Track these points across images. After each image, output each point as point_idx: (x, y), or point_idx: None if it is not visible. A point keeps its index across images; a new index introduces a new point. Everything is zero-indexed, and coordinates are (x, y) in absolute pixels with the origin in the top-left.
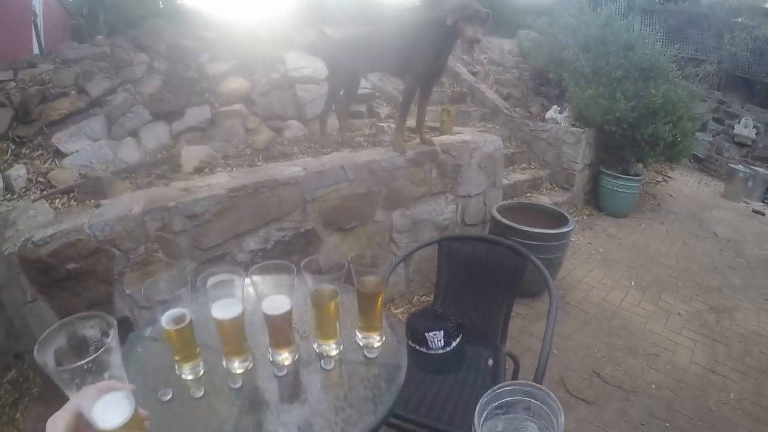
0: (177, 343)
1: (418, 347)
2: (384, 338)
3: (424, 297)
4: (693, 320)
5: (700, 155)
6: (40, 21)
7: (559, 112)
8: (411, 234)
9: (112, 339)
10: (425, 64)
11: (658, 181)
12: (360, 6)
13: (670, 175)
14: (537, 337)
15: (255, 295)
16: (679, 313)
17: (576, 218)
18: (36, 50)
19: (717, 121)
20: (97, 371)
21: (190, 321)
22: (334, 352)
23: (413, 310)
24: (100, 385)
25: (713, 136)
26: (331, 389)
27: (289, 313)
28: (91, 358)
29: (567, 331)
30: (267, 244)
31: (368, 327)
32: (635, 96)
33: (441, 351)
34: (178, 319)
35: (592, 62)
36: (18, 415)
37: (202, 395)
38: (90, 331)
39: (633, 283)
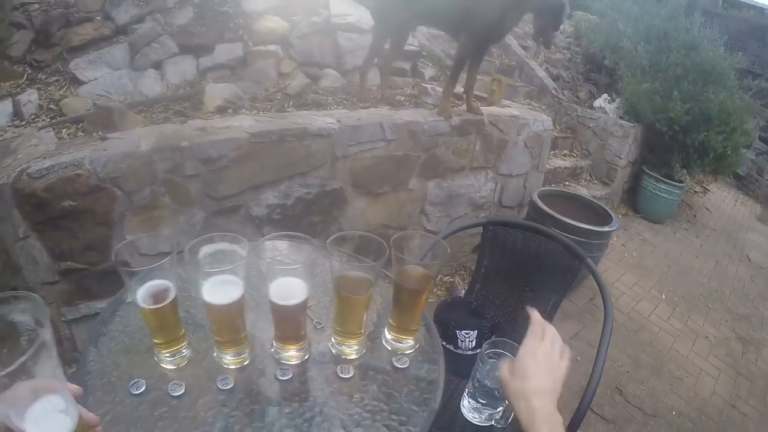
0: (155, 325)
1: (445, 344)
2: (418, 345)
3: (447, 277)
4: (720, 347)
5: (740, 172)
6: None
7: (609, 102)
8: (444, 208)
9: (46, 331)
10: (486, 25)
11: (696, 192)
12: None
13: (708, 188)
14: (564, 338)
15: (263, 272)
16: (706, 337)
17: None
18: None
19: (763, 140)
20: (27, 373)
21: (174, 298)
22: (354, 356)
23: (437, 291)
24: (35, 385)
25: (757, 155)
26: (346, 406)
27: (303, 304)
28: (22, 359)
29: (594, 337)
30: (287, 199)
31: (402, 328)
32: (692, 98)
33: (470, 352)
34: (159, 296)
35: (652, 55)
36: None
37: (182, 393)
38: (21, 316)
39: (664, 296)
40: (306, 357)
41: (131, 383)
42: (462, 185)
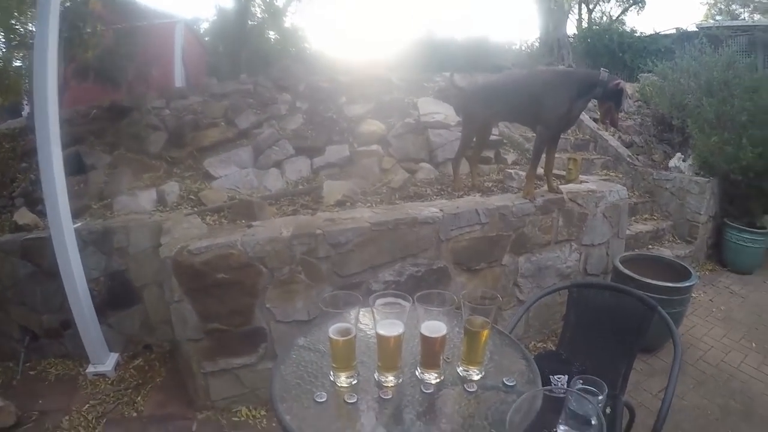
0: (338, 353)
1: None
2: (483, 373)
3: (540, 343)
4: None
5: None
6: (184, 57)
7: (683, 160)
8: (535, 279)
9: None
10: (558, 117)
11: None
12: (479, 51)
13: None
14: (651, 393)
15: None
16: None
17: (698, 273)
18: (180, 83)
19: None
20: None
21: (354, 335)
22: (476, 377)
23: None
24: None
25: None
26: (472, 410)
27: (444, 337)
28: None
29: (681, 390)
30: (401, 276)
31: (469, 360)
32: (762, 142)
33: (563, 395)
34: (344, 332)
35: (716, 107)
36: (139, 398)
37: (354, 401)
38: None
39: (754, 345)
40: (442, 378)
41: (315, 394)
42: (549, 258)
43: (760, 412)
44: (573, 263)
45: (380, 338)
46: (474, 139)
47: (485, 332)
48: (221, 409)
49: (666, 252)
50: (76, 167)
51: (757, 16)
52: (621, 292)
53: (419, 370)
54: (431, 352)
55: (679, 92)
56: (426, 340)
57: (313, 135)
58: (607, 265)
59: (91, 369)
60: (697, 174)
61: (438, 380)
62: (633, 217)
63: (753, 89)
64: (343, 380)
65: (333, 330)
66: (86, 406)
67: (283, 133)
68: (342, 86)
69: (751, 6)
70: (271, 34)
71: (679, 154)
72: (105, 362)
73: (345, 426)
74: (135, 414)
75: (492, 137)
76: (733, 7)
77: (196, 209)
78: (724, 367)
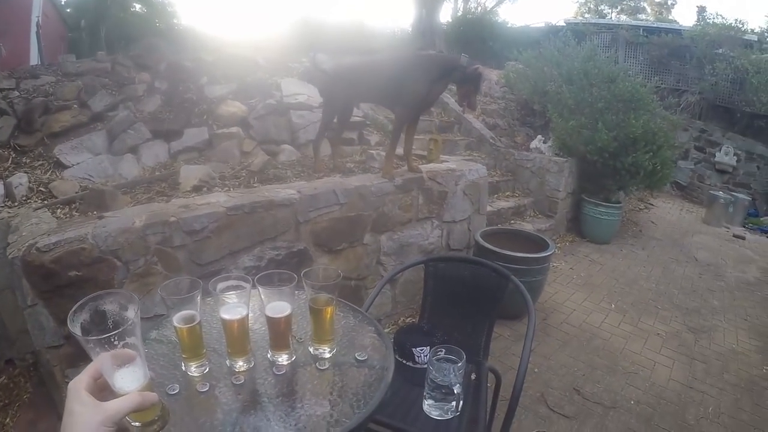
0: (186, 342)
1: (405, 361)
2: (335, 350)
3: (409, 318)
4: (672, 340)
5: (682, 183)
6: (40, 32)
7: (543, 142)
8: (398, 257)
9: (136, 315)
10: (416, 99)
11: (640, 209)
12: (353, 35)
13: (652, 203)
14: (518, 356)
15: (260, 300)
16: (658, 334)
17: (558, 245)
18: (35, 61)
19: (699, 149)
20: (119, 342)
21: (199, 321)
22: (327, 355)
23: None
24: (116, 352)
25: (695, 164)
26: (326, 387)
27: (289, 317)
28: (118, 330)
29: (548, 352)
30: (261, 261)
31: (319, 339)
32: (616, 126)
33: (425, 366)
34: (188, 319)
35: (575, 94)
36: (8, 420)
37: (207, 389)
38: (109, 305)
39: (613, 306)
40: (293, 359)
41: (167, 386)
42: (411, 235)
43: (623, 364)
44: (435, 239)
45: (224, 322)
46: (335, 120)
47: (329, 309)
48: None
49: (528, 226)
50: None
51: (623, 17)
52: (475, 264)
53: (270, 353)
54: (278, 332)
55: (541, 80)
56: (272, 321)
57: (171, 117)
58: (469, 240)
59: None
60: (556, 155)
61: (289, 361)
62: (495, 195)
63: (611, 79)
64: (193, 370)
65: (177, 318)
66: None
67: (139, 115)
68: (205, 65)
69: (619, 7)
70: (137, 7)
71: (540, 137)
72: None
73: (199, 415)
74: None
75: (356, 118)
76: (602, 6)
77: (46, 202)
78: (586, 327)
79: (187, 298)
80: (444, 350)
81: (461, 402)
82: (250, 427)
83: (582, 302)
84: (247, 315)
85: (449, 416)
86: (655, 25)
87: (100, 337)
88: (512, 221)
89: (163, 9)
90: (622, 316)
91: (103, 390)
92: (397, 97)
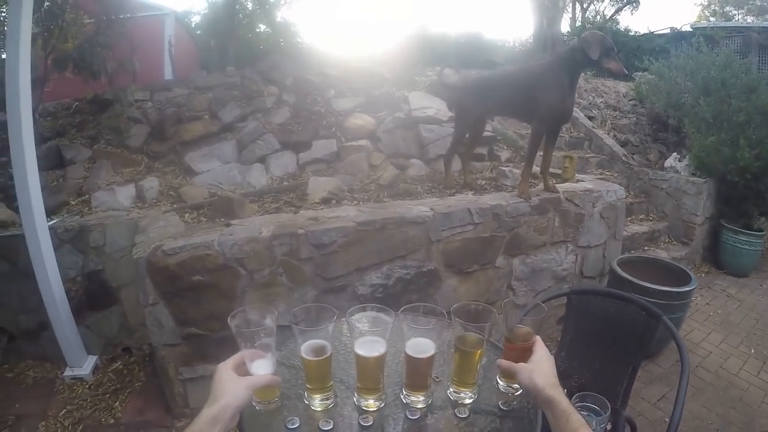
0: (313, 374)
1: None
2: (477, 395)
3: None
4: None
5: None
6: (173, 50)
7: (679, 161)
8: (529, 282)
9: (273, 322)
10: (552, 109)
11: None
12: (472, 48)
13: None
14: (649, 402)
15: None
16: None
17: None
18: (169, 76)
19: None
20: (259, 338)
21: (330, 354)
22: (468, 401)
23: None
24: (254, 351)
25: None
26: None
27: (432, 358)
28: (259, 328)
29: None
30: (389, 279)
31: (460, 382)
32: (759, 143)
33: None
34: (319, 350)
35: (713, 107)
36: (117, 404)
37: (330, 428)
38: (253, 315)
39: (752, 350)
40: (429, 402)
41: (287, 420)
42: (544, 260)
43: (761, 421)
44: (569, 265)
45: (359, 359)
46: (466, 136)
47: (479, 352)
48: None
49: (662, 254)
50: (55, 161)
51: (750, 18)
52: (622, 300)
53: (404, 393)
54: (417, 373)
55: (675, 91)
56: (411, 361)
57: (299, 129)
58: (603, 267)
59: (68, 372)
60: (693, 174)
61: (425, 404)
62: (629, 218)
63: (750, 89)
64: (317, 403)
65: (305, 348)
66: (63, 412)
67: (268, 127)
68: (331, 80)
69: (745, 8)
70: (262, 28)
71: (675, 154)
72: (83, 365)
73: None
74: (112, 420)
75: (485, 134)
76: (728, 8)
77: (175, 206)
78: (722, 373)
79: (320, 329)
80: (584, 398)
81: None
82: None
83: (719, 344)
84: (385, 352)
85: None
86: None
87: (251, 329)
88: (646, 247)
89: (287, 29)
90: (762, 363)
91: (243, 373)
92: (532, 109)
